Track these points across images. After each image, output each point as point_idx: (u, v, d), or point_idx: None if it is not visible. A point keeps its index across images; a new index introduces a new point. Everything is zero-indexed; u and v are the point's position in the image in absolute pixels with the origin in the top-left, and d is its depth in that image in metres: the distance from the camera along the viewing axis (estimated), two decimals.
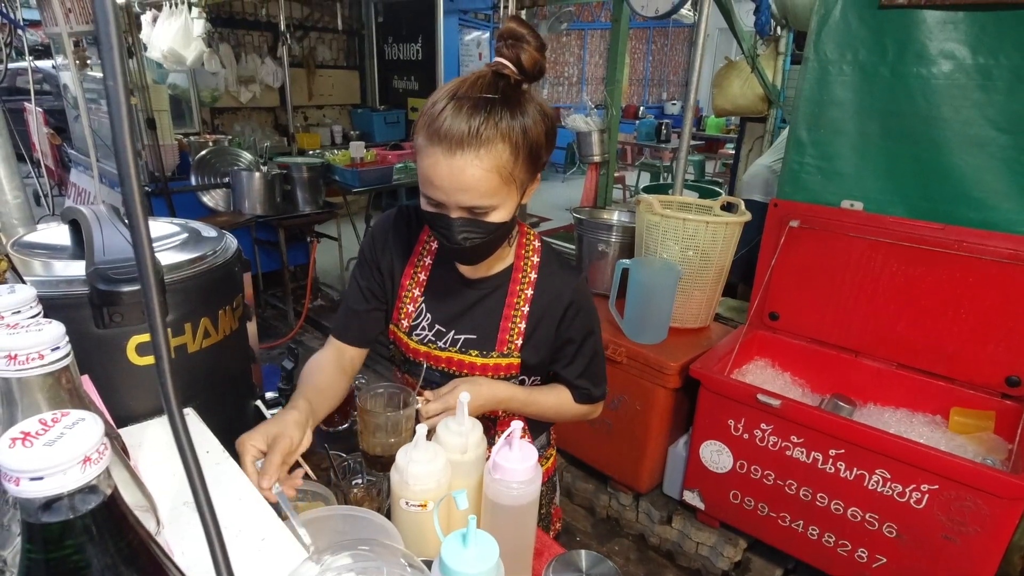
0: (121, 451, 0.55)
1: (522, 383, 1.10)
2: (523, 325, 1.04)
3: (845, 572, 1.86)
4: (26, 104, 3.59)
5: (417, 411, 0.97)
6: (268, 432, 0.85)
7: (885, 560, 1.77)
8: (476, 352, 1.05)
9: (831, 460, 1.79)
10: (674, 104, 11.04)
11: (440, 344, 1.06)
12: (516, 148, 0.87)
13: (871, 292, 1.96)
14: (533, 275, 1.06)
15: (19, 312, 0.47)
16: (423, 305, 1.08)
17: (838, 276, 2.02)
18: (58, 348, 0.41)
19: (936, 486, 1.63)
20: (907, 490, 1.68)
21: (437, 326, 1.07)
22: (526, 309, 1.04)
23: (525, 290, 1.05)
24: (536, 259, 1.07)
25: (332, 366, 1.09)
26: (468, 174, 0.85)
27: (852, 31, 1.87)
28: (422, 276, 1.09)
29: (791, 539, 1.96)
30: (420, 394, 1.02)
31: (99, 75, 3.45)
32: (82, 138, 3.94)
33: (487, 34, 6.86)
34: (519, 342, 1.04)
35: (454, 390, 0.96)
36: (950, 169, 1.79)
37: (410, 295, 1.09)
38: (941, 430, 1.87)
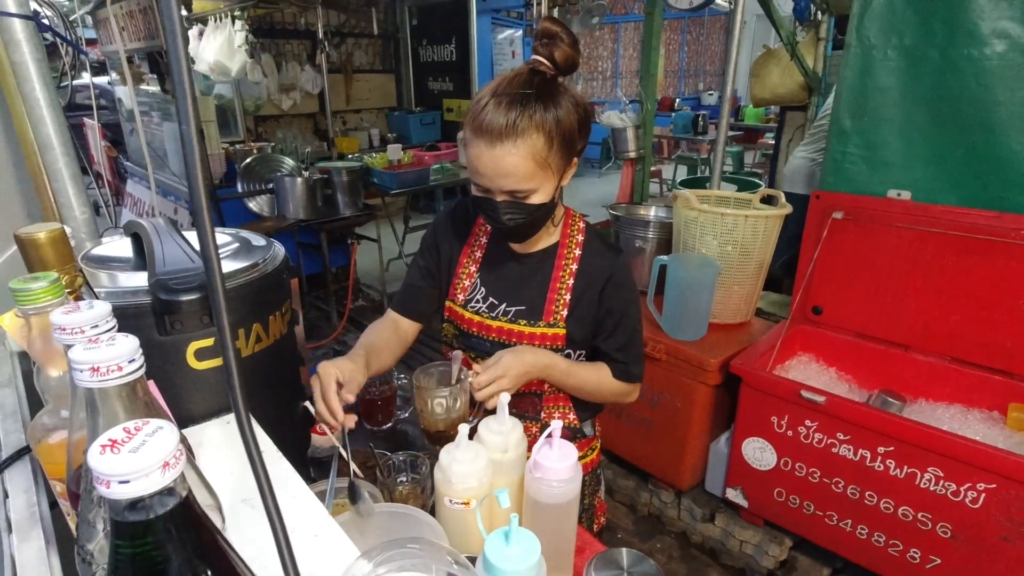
0: (188, 452, 0.59)
1: (567, 357, 1.15)
2: (568, 297, 1.12)
3: (897, 573, 1.81)
4: (85, 119, 3.80)
5: (470, 383, 1.04)
6: (343, 368, 0.99)
7: (939, 561, 1.72)
8: (525, 322, 1.13)
9: (880, 458, 1.74)
10: (711, 95, 10.83)
11: (492, 315, 1.15)
12: (550, 137, 0.96)
13: (921, 284, 1.90)
14: (577, 252, 1.15)
15: (97, 327, 0.51)
16: (478, 279, 1.19)
17: (885, 268, 1.95)
18: (134, 360, 0.45)
19: (993, 485, 1.57)
20: (962, 489, 1.62)
21: (491, 299, 1.16)
22: (571, 282, 1.13)
23: (570, 265, 1.14)
24: (580, 238, 1.16)
25: (388, 331, 1.21)
26: (507, 162, 0.95)
27: (897, 13, 1.80)
28: (478, 254, 1.20)
29: (839, 538, 1.91)
30: (470, 365, 1.11)
31: (152, 89, 3.62)
32: (137, 150, 4.14)
33: (519, 32, 6.86)
34: (564, 313, 1.12)
35: (500, 360, 1.03)
36: (1005, 154, 1.71)
37: (467, 271, 1.20)
38: (999, 427, 1.80)
